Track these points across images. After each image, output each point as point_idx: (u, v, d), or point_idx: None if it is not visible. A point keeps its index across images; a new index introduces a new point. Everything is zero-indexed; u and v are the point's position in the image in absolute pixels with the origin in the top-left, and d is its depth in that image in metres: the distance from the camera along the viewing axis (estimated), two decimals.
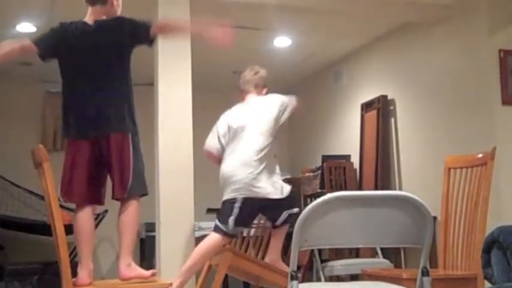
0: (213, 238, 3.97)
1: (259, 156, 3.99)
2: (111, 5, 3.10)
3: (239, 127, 4.11)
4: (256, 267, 3.94)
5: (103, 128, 2.90)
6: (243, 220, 3.93)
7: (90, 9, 3.12)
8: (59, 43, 3.06)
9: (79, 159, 2.93)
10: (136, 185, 2.92)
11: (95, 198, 2.97)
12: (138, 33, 3.06)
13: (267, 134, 4.06)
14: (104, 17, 3.09)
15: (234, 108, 4.29)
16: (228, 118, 4.23)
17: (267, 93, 4.33)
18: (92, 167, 2.93)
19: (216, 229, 3.98)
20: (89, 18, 3.09)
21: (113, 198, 2.97)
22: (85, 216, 2.92)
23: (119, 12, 3.16)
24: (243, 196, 3.91)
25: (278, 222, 4.06)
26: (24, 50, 3.14)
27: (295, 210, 4.05)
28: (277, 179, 4.09)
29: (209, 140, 4.28)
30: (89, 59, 3.00)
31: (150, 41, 3.10)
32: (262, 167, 3.97)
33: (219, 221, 3.99)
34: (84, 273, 2.85)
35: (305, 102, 7.92)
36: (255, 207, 3.96)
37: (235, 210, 3.90)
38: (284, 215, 4.04)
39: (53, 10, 5.02)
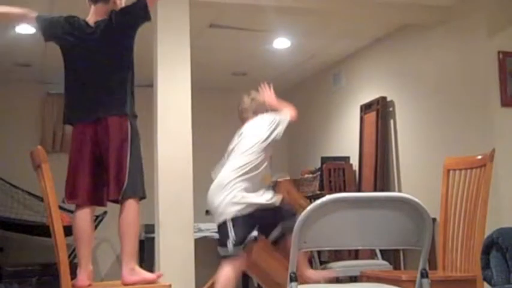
0: (225, 268, 3.78)
1: (238, 174, 3.84)
2: (113, 3, 3.06)
3: (227, 153, 4.06)
4: (283, 271, 3.81)
5: (101, 111, 2.89)
6: (241, 238, 3.76)
7: (92, 8, 3.09)
8: (64, 34, 3.04)
9: (81, 163, 2.91)
10: (132, 187, 2.88)
11: (97, 199, 2.95)
12: (135, 17, 3.03)
13: (249, 152, 3.91)
14: (106, 17, 3.05)
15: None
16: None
17: None
18: (93, 167, 2.91)
19: (222, 257, 3.82)
20: (90, 18, 3.07)
21: (107, 200, 2.94)
22: (84, 217, 2.91)
23: None
24: (231, 216, 3.76)
25: (271, 237, 3.89)
26: (24, 18, 3.13)
27: (288, 223, 3.77)
28: (264, 192, 3.94)
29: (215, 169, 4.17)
30: (90, 60, 2.98)
31: (149, 17, 3.05)
32: (241, 183, 3.82)
33: (220, 246, 3.82)
34: (83, 275, 2.84)
35: (302, 109, 7.95)
36: (249, 219, 3.80)
37: (231, 232, 3.75)
38: (277, 228, 3.87)
39: (52, 11, 5.02)
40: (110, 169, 2.87)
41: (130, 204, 2.86)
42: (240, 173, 3.85)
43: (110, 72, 2.97)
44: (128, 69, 3.03)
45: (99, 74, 2.96)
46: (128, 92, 2.99)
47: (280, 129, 4.04)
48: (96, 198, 2.95)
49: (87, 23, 3.06)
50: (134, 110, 3.03)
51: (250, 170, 3.88)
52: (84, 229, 2.91)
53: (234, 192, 3.79)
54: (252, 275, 4.26)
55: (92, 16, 3.08)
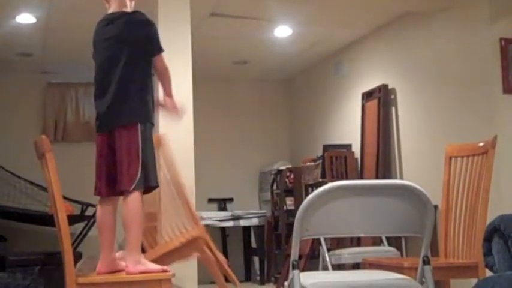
0: None
1: None
2: None
3: None
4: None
5: (112, 121, 2.85)
6: None
7: None
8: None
9: (97, 155, 2.89)
10: (144, 178, 2.86)
11: (112, 189, 2.91)
12: (145, 49, 3.01)
13: None
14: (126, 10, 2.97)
15: None
16: None
17: None
18: (107, 157, 2.87)
19: None
20: (111, 8, 2.99)
21: (120, 190, 2.89)
22: (100, 209, 2.91)
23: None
24: None
25: None
26: None
27: None
28: None
29: None
30: (102, 52, 2.93)
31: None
32: None
33: None
34: (102, 263, 2.84)
35: (303, 97, 7.89)
36: None
37: None
38: None
39: (52, 0, 5.01)
40: (122, 162, 2.82)
41: (134, 195, 2.84)
42: None
43: (113, 74, 2.90)
44: (139, 69, 2.96)
45: (110, 74, 2.88)
46: (142, 95, 2.90)
47: None
48: (111, 189, 2.89)
49: (108, 13, 2.96)
50: (148, 113, 2.93)
51: None
52: (102, 220, 2.90)
53: None
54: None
55: (113, 4, 2.96)
